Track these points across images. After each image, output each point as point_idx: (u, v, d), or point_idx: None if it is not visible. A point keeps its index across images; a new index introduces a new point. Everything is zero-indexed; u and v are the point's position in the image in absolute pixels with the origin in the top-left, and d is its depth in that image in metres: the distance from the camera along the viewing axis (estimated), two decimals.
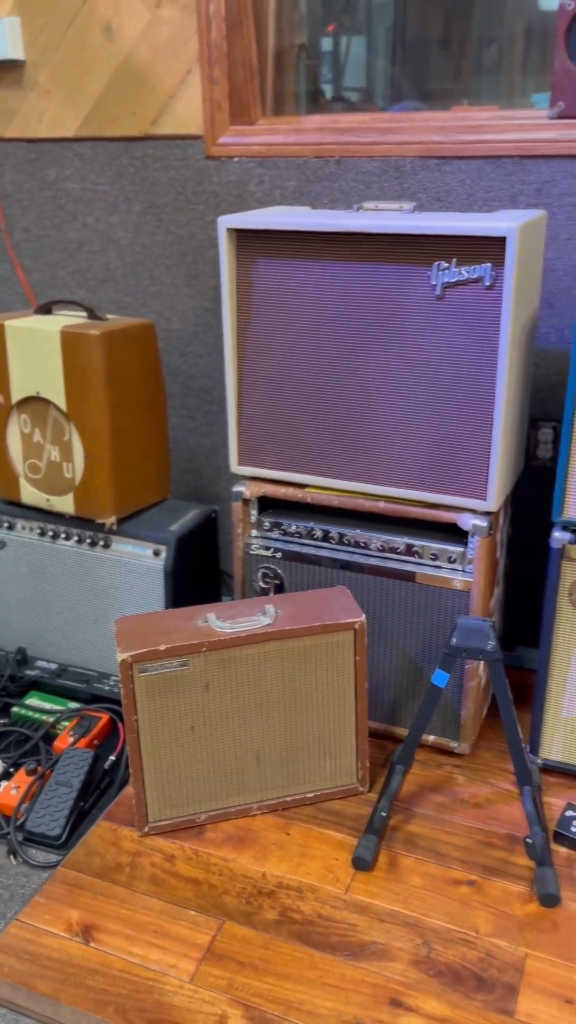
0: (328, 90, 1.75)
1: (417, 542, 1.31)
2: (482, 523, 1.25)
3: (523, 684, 1.55)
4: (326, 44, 1.74)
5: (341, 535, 1.35)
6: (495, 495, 1.23)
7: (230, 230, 1.27)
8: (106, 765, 1.43)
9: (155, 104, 1.64)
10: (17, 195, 1.82)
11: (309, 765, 1.26)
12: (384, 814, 1.20)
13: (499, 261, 1.13)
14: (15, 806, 1.36)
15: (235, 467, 1.40)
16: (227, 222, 1.26)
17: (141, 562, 1.50)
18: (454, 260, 1.16)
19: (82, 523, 1.54)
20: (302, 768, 1.26)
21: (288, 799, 1.27)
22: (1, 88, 1.75)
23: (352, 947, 1.05)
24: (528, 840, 1.14)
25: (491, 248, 1.13)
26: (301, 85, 1.73)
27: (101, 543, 1.52)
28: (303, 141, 1.56)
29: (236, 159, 1.62)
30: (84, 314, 1.54)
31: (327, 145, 1.54)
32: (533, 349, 1.38)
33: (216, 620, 1.20)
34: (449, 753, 1.39)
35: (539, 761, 1.33)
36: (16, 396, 1.50)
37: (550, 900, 1.09)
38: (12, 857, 1.30)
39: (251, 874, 1.16)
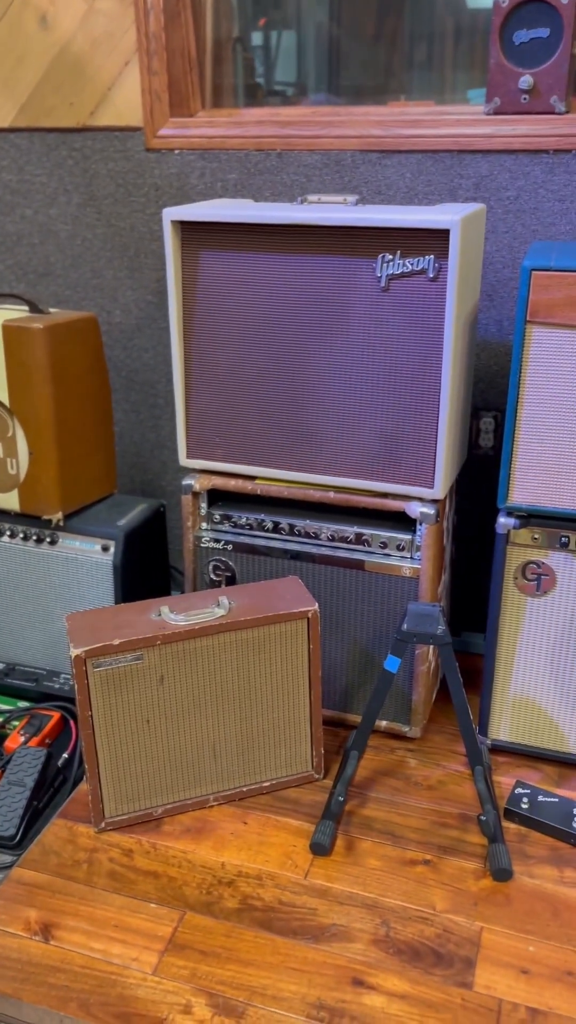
0: (261, 84, 1.75)
1: (366, 531, 1.33)
2: (429, 511, 1.27)
3: (470, 668, 1.58)
4: (257, 38, 1.74)
5: (291, 526, 1.36)
6: (441, 483, 1.26)
7: (175, 222, 1.27)
8: (59, 763, 1.41)
9: (93, 95, 1.63)
10: None
11: (265, 754, 1.27)
12: (341, 799, 1.21)
13: (442, 253, 1.16)
14: None
15: (184, 460, 1.40)
16: (172, 214, 1.26)
17: (89, 558, 1.48)
18: (398, 252, 1.18)
19: (28, 520, 1.52)
20: (258, 757, 1.27)
21: (245, 789, 1.28)
22: None
23: (313, 931, 1.06)
24: (481, 818, 1.17)
25: (434, 240, 1.16)
26: (239, 78, 1.73)
27: (48, 540, 1.50)
28: (244, 134, 1.56)
29: (177, 151, 1.61)
30: (25, 308, 1.52)
31: (268, 138, 1.55)
32: (475, 340, 1.40)
33: (170, 613, 1.20)
34: (401, 737, 1.42)
35: (488, 742, 1.36)
36: None
37: (503, 875, 1.13)
38: None
39: (210, 864, 1.16)
